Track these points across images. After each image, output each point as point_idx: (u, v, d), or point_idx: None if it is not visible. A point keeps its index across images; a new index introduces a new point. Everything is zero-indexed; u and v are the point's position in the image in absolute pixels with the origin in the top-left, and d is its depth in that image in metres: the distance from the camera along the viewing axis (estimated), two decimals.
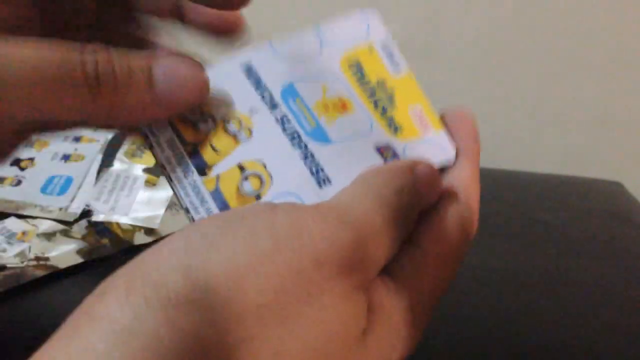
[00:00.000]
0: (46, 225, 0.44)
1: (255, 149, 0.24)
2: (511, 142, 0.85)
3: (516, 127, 0.85)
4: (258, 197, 0.23)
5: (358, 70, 0.25)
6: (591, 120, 0.83)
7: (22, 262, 0.40)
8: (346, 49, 0.25)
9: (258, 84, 0.25)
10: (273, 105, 0.24)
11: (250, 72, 0.25)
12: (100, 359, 0.15)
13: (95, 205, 0.47)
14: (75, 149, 0.52)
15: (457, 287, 0.45)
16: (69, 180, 0.49)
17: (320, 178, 0.23)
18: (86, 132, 0.54)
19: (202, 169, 0.23)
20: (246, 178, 0.23)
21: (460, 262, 0.22)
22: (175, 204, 0.49)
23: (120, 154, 0.52)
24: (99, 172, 0.50)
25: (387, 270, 0.21)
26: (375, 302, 0.19)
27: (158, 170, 0.51)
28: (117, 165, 0.51)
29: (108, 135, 0.54)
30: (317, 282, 0.16)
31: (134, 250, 0.44)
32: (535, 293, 0.45)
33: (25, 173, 0.49)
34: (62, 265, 0.41)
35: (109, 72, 0.21)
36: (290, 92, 0.24)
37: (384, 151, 0.24)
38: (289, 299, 0.16)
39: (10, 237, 0.42)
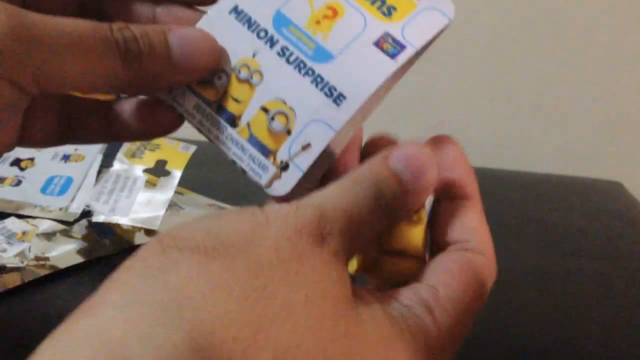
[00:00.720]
0: (46, 225, 0.44)
1: (270, 89, 0.25)
2: (511, 142, 0.85)
3: (516, 127, 0.85)
4: (289, 132, 0.24)
5: None
6: (591, 120, 0.83)
7: (22, 262, 0.40)
8: None
9: (250, 23, 0.25)
10: (271, 41, 0.25)
11: (238, 13, 0.25)
12: (133, 294, 0.17)
13: (96, 206, 0.47)
14: (76, 149, 0.52)
15: None
16: (69, 181, 0.49)
17: (335, 97, 0.24)
18: None
19: (233, 121, 0.25)
20: (272, 118, 0.24)
21: (476, 313, 0.23)
22: (175, 204, 0.49)
23: (120, 155, 0.52)
24: (99, 172, 0.50)
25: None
26: (366, 299, 0.21)
27: (158, 171, 0.51)
28: (117, 165, 0.51)
29: None
30: (302, 248, 0.19)
31: (134, 250, 0.44)
32: (535, 293, 0.45)
33: (25, 173, 0.49)
34: (62, 265, 0.41)
35: (134, 42, 0.23)
36: (280, 20, 0.25)
37: (383, 43, 0.24)
38: (286, 258, 0.19)
39: (10, 237, 0.42)
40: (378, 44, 0.24)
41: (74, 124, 0.29)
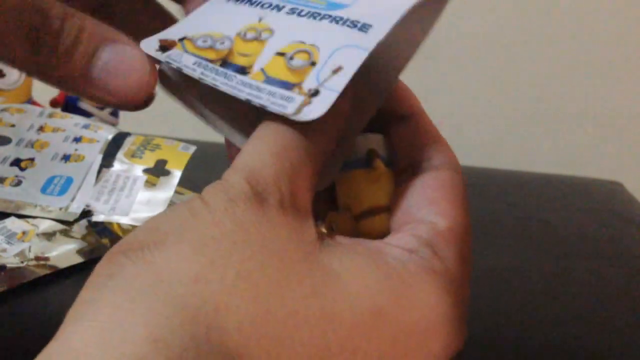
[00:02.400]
0: (46, 225, 0.44)
1: (284, 37, 0.22)
2: (511, 142, 0.85)
3: (516, 127, 0.85)
4: (313, 63, 0.21)
5: None
6: (591, 120, 0.83)
7: (22, 262, 0.40)
8: None
9: (250, 2, 0.24)
10: (277, 8, 0.23)
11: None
12: (88, 310, 0.16)
13: (96, 206, 0.47)
14: (76, 149, 0.52)
15: None
16: (69, 181, 0.49)
17: (360, 26, 0.21)
18: (86, 133, 0.54)
19: (242, 71, 0.22)
20: (291, 57, 0.22)
21: (471, 234, 0.22)
22: (175, 204, 0.49)
23: (120, 155, 0.52)
24: (99, 172, 0.50)
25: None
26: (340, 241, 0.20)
27: (158, 171, 0.51)
28: (117, 165, 0.51)
29: (108, 135, 0.54)
30: (242, 215, 0.19)
31: None
32: (535, 293, 0.45)
33: (25, 173, 0.49)
34: (62, 265, 0.41)
35: (53, 34, 0.21)
36: None
37: None
38: (229, 230, 0.18)
39: (10, 237, 0.42)
40: None
41: None
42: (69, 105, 0.61)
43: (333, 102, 0.20)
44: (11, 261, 0.40)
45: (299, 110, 0.20)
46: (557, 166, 0.78)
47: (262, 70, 0.22)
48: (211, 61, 0.23)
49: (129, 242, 0.18)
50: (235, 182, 0.19)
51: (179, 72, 0.23)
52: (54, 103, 0.61)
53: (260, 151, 0.20)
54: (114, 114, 0.63)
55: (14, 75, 0.57)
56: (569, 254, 0.51)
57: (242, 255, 0.18)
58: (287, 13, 0.23)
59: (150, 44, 0.24)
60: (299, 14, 0.23)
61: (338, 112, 0.22)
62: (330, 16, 0.22)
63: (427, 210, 0.22)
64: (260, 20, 0.23)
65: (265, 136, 0.21)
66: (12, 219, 0.45)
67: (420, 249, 0.21)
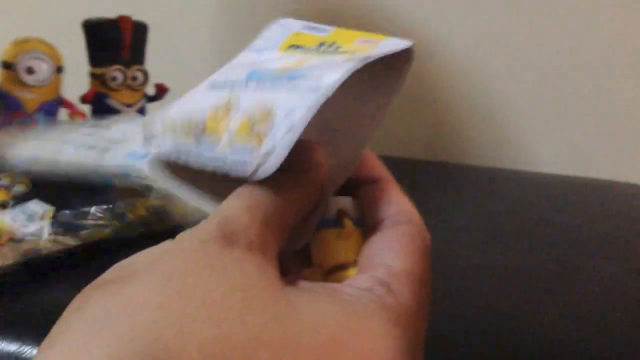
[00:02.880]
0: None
1: (246, 106, 0.25)
2: (528, 143, 0.84)
3: (534, 128, 0.84)
4: (272, 126, 0.24)
5: (297, 48, 0.27)
6: (609, 122, 0.81)
7: (41, 237, 0.43)
8: (278, 45, 0.27)
9: (225, 83, 0.26)
10: (246, 84, 0.26)
11: (214, 85, 0.27)
12: (57, 337, 0.18)
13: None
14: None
15: (467, 286, 0.45)
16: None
17: (312, 89, 0.24)
18: None
19: (212, 146, 0.25)
20: (254, 124, 0.24)
21: (430, 280, 0.24)
22: None
23: None
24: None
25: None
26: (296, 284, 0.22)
27: None
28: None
29: None
30: (210, 254, 0.21)
31: (146, 236, 0.47)
32: (548, 293, 0.45)
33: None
34: (76, 243, 0.44)
35: None
36: (254, 74, 0.26)
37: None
38: (195, 266, 0.20)
39: (31, 216, 0.46)
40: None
41: None
42: (97, 102, 0.64)
43: (283, 158, 0.23)
44: (29, 237, 0.43)
45: (254, 171, 0.24)
46: (575, 168, 0.77)
47: (229, 141, 0.25)
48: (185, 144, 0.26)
49: (101, 278, 0.20)
50: (207, 227, 0.21)
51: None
52: (83, 100, 0.64)
53: (235, 205, 0.23)
54: (141, 112, 0.66)
55: (43, 72, 0.60)
56: (583, 255, 0.51)
57: (206, 287, 0.19)
58: (253, 89, 0.26)
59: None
60: (262, 88, 0.25)
61: (310, 183, 0.25)
62: (289, 84, 0.25)
63: (384, 256, 0.24)
64: (229, 101, 0.26)
65: (242, 194, 0.23)
66: (35, 201, 0.48)
67: (375, 287, 0.23)
